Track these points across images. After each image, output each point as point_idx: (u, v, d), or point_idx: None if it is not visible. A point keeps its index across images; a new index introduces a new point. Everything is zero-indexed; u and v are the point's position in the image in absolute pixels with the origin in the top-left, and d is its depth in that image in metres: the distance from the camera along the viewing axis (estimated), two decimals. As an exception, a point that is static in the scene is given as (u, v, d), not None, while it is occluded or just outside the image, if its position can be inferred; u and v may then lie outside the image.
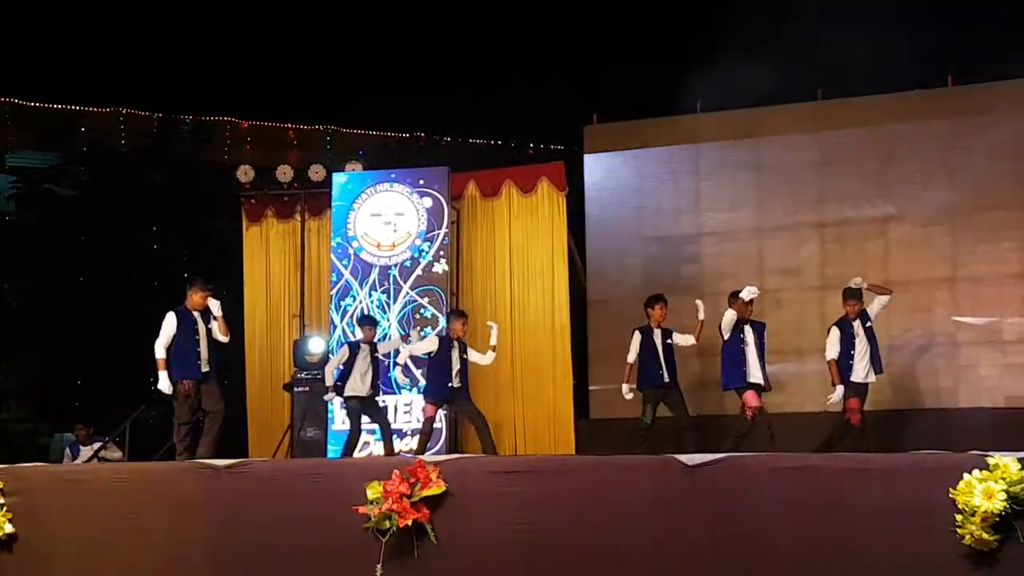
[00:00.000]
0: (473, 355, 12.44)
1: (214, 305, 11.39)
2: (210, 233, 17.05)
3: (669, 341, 12.35)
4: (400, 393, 13.78)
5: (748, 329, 11.72)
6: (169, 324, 11.22)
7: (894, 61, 14.43)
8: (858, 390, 11.60)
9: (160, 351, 11.15)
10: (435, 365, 12.29)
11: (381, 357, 12.91)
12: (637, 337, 12.41)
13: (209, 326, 11.34)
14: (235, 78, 15.86)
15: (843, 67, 14.59)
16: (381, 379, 12.97)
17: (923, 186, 14.76)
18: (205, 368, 11.27)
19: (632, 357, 12.40)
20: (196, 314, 11.32)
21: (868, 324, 11.73)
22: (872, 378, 11.71)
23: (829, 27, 14.28)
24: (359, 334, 12.81)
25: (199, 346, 11.26)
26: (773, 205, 15.42)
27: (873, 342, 11.72)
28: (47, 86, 16.00)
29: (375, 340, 12.79)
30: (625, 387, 12.45)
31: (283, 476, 9.02)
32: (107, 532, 9.14)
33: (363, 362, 12.47)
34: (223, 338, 11.47)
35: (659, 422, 12.24)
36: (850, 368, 11.64)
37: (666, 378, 12.26)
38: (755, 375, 11.62)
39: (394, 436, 13.38)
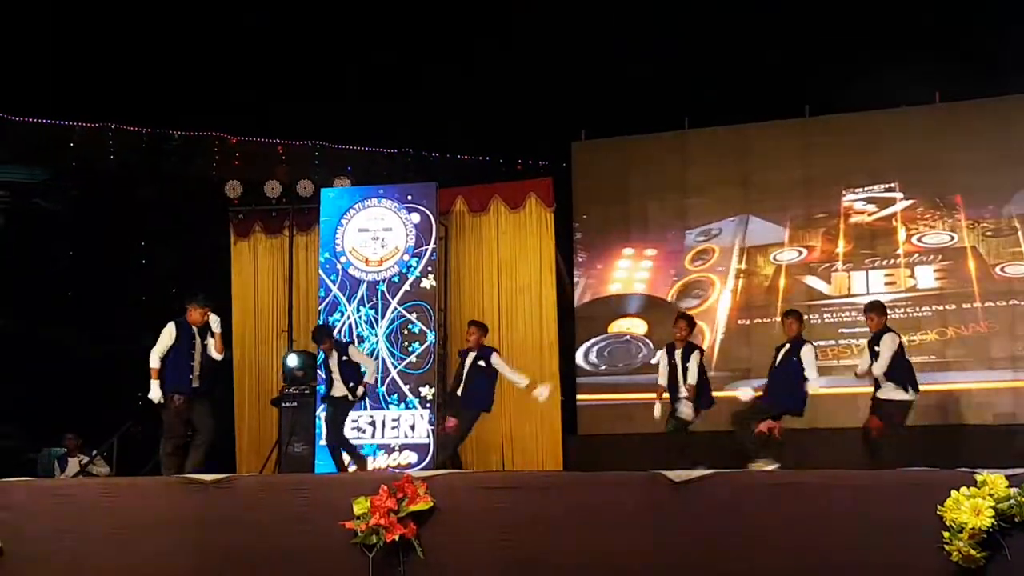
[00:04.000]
0: (505, 369, 12.45)
1: (214, 321, 11.37)
2: (198, 248, 17.03)
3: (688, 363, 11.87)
4: (388, 408, 13.76)
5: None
6: (168, 334, 11.16)
7: (883, 78, 14.46)
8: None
9: (155, 360, 11.07)
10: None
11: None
12: (663, 358, 12.05)
13: (205, 342, 11.30)
14: (224, 93, 15.83)
15: (831, 83, 14.63)
16: (369, 394, 13.02)
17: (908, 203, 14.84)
18: (196, 384, 11.20)
19: (662, 380, 11.98)
20: (195, 329, 11.30)
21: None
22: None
23: (818, 43, 14.30)
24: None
25: (193, 360, 11.22)
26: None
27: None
28: (35, 101, 15.97)
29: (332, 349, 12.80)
30: (657, 406, 11.92)
31: (270, 491, 9.00)
32: (94, 547, 9.11)
33: (333, 365, 12.58)
34: (217, 355, 11.40)
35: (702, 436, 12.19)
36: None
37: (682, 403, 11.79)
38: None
39: (381, 451, 13.40)
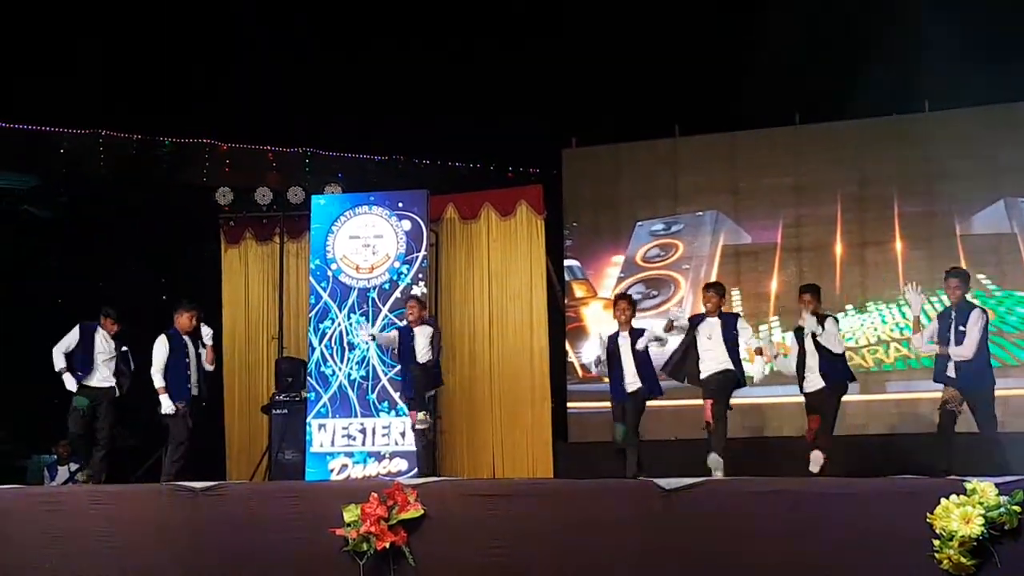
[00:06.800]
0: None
1: (206, 333, 11.65)
2: (189, 255, 17.02)
3: (639, 347, 11.16)
4: (378, 416, 13.74)
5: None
6: (162, 347, 11.37)
7: (872, 87, 14.52)
8: None
9: (159, 379, 11.29)
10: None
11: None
12: (601, 340, 11.53)
13: (199, 351, 11.47)
14: (214, 100, 15.83)
15: (820, 92, 14.67)
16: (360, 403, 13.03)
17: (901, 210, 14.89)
18: (195, 391, 11.41)
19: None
20: (186, 337, 11.41)
21: None
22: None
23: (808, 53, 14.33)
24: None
25: (189, 368, 11.41)
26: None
27: None
28: (25, 107, 15.96)
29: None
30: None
31: (260, 498, 9.00)
32: (83, 555, 9.10)
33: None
34: (208, 367, 11.65)
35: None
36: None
37: (628, 388, 11.16)
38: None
39: (371, 459, 13.38)
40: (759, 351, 11.17)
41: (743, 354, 11.05)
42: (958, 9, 13.23)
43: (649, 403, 11.35)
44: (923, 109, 14.88)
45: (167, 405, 11.20)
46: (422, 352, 12.05)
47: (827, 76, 14.51)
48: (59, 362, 11.82)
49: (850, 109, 14.85)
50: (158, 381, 11.26)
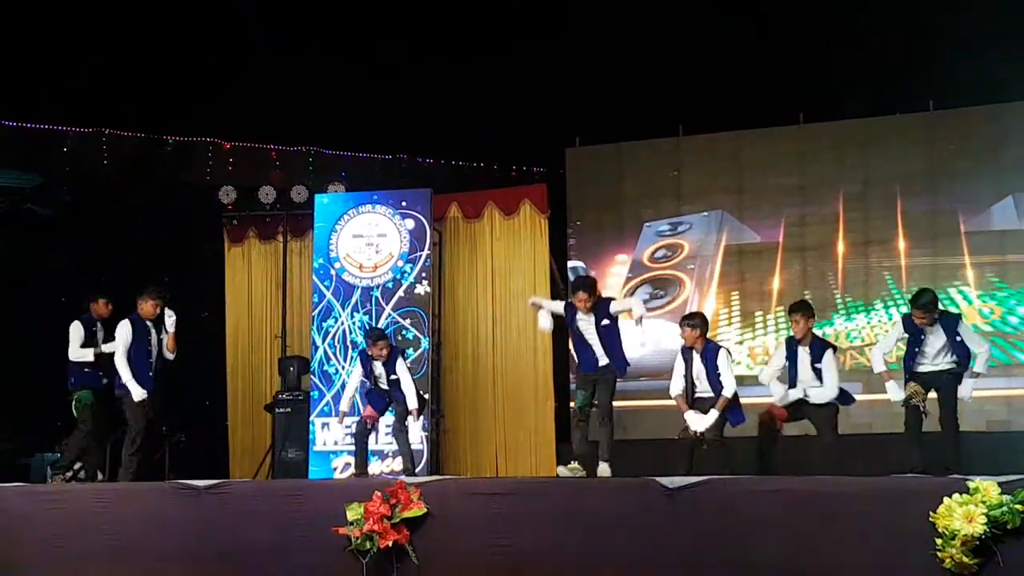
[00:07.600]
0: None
1: (170, 321, 11.14)
2: (192, 254, 17.02)
3: (606, 322, 10.58)
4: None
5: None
6: (125, 332, 10.95)
7: (876, 85, 14.54)
8: None
9: (124, 368, 10.82)
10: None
11: None
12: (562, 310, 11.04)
13: (161, 337, 11.11)
14: (217, 98, 15.83)
15: (824, 91, 14.68)
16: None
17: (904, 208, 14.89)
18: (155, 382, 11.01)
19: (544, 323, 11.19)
20: (149, 323, 11.09)
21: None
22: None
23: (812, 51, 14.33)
24: None
25: (150, 356, 11.01)
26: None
27: None
28: (28, 106, 15.96)
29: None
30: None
31: (263, 497, 9.00)
32: (86, 553, 9.10)
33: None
34: (169, 354, 11.16)
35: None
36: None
37: (601, 362, 10.57)
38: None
39: (375, 457, 13.35)
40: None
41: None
42: (962, 7, 13.25)
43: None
44: (927, 108, 14.87)
45: (139, 391, 10.73)
46: (407, 388, 11.52)
47: (831, 75, 14.50)
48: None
49: (853, 108, 14.87)
50: (124, 370, 10.82)
